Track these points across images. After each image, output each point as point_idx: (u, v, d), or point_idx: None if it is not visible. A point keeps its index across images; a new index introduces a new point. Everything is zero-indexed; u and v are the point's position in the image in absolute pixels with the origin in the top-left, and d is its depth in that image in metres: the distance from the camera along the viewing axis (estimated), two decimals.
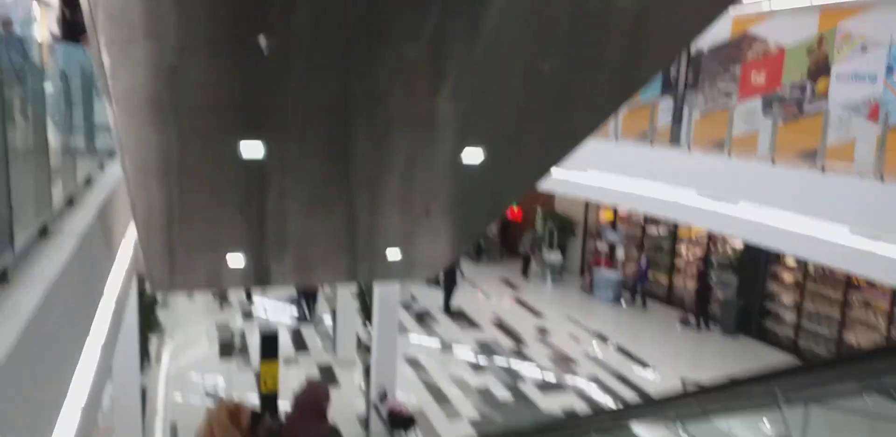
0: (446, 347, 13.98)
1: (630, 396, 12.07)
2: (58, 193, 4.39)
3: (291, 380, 11.69)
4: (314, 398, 4.62)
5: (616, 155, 12.79)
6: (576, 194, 14.80)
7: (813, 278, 13.81)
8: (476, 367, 13.08)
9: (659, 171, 12.20)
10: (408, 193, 5.41)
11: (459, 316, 15.71)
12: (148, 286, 8.22)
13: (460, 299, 16.29)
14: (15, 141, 3.70)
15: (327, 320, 14.58)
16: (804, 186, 9.98)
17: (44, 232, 3.72)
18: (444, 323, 15.32)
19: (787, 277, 14.45)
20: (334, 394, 11.52)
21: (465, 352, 13.76)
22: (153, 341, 12.24)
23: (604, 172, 12.99)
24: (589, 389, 12.32)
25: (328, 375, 12.47)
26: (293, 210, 5.35)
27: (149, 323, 11.42)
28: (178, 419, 9.99)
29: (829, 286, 13.50)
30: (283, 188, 4.90)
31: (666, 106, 13.62)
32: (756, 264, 14.65)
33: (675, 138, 12.88)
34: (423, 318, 15.50)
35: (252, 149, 3.76)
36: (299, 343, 13.80)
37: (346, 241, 6.65)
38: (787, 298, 14.37)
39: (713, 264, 15.78)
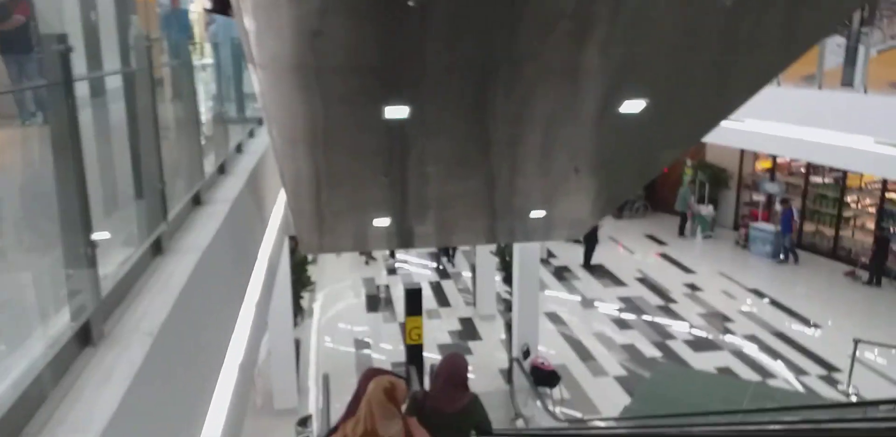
0: (588, 303, 13.68)
1: (794, 356, 11.28)
2: (210, 162, 4.50)
3: (434, 332, 11.93)
4: (454, 369, 4.51)
5: (778, 101, 11.62)
6: (732, 144, 13.72)
7: None
8: (621, 323, 12.71)
9: (829, 117, 10.98)
10: (553, 152, 5.10)
11: (601, 272, 15.28)
12: (300, 248, 8.53)
13: (601, 256, 15.80)
14: (171, 113, 3.78)
15: (466, 274, 14.68)
16: None
17: (197, 201, 3.80)
18: (584, 279, 14.97)
19: None
20: (476, 347, 11.90)
21: (608, 308, 13.40)
22: (305, 297, 12.87)
23: (764, 120, 11.88)
24: (746, 348, 11.63)
25: (469, 328, 12.60)
26: (435, 172, 5.22)
27: (301, 280, 11.98)
28: (329, 368, 10.48)
29: None
30: (425, 150, 4.76)
31: (833, 46, 12.14)
32: None
33: (847, 81, 11.48)
34: (562, 274, 15.22)
35: (395, 111, 3.62)
36: (441, 298, 14.01)
37: (488, 202, 6.46)
38: None
39: (890, 214, 14.21)
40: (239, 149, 5.76)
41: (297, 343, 10.76)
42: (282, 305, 9.67)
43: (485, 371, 11.04)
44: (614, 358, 11.41)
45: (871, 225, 14.76)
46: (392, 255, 16.15)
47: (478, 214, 6.93)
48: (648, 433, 4.50)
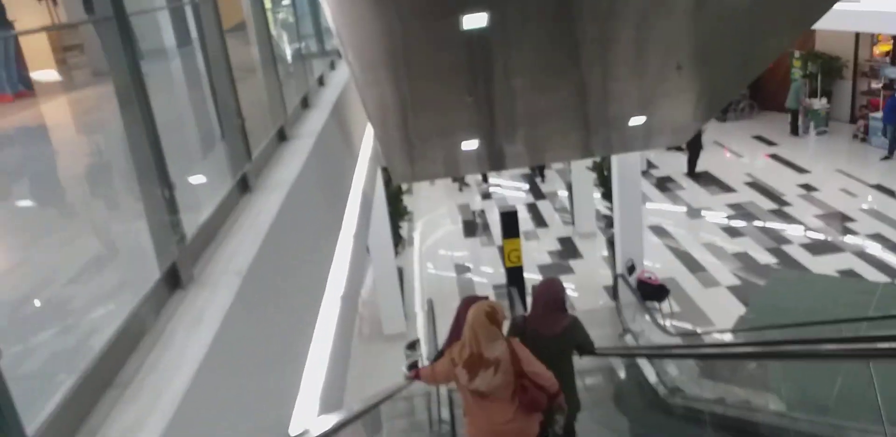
0: (694, 213, 13.11)
1: None
2: (292, 97, 4.38)
3: (533, 253, 11.83)
4: (551, 294, 4.47)
5: None
6: (847, 27, 12.37)
7: None
8: (731, 231, 12.15)
9: None
10: (649, 48, 4.66)
11: (707, 179, 14.54)
12: (393, 179, 8.49)
13: (706, 162, 14.99)
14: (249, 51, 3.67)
15: (563, 193, 14.34)
16: None
17: (282, 136, 3.70)
18: (689, 188, 14.30)
19: None
20: (578, 265, 11.73)
21: (716, 217, 12.81)
22: (404, 226, 13.00)
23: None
24: (870, 248, 10.89)
25: (569, 247, 12.41)
26: (522, 86, 4.91)
27: (397, 210, 12.06)
28: (433, 294, 10.66)
29: None
30: (509, 62, 4.45)
31: None
32: None
33: None
34: (665, 185, 14.60)
35: (473, 19, 3.33)
36: (537, 218, 13.82)
37: (581, 114, 6.10)
38: None
39: None
40: (321, 81, 5.62)
41: (400, 272, 10.95)
42: (382, 235, 9.79)
43: (588, 289, 10.91)
44: (726, 268, 10.97)
45: None
46: (485, 179, 15.99)
47: (570, 127, 6.59)
48: (765, 351, 4.21)
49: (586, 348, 4.56)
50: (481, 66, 4.39)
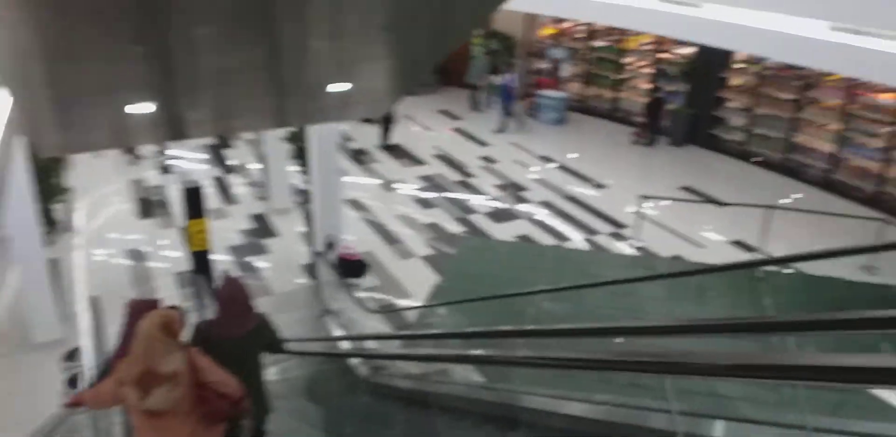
0: (389, 185, 13.12)
1: (584, 217, 11.78)
2: None
3: (223, 233, 10.76)
4: (233, 295, 4.15)
5: None
6: (521, 7, 13.21)
7: (766, 79, 13.25)
8: (423, 203, 12.39)
9: None
10: (346, 5, 4.05)
11: (399, 152, 14.67)
12: (37, 149, 6.75)
13: (398, 135, 15.12)
14: None
15: (255, 167, 13.30)
16: None
17: None
18: (383, 161, 14.29)
19: (738, 81, 13.84)
20: (273, 244, 10.96)
21: (409, 189, 12.97)
22: (58, 208, 10.84)
23: None
24: (540, 214, 11.94)
25: (263, 225, 11.56)
26: (205, 37, 3.95)
27: (50, 188, 9.95)
28: (101, 286, 9.01)
29: (782, 88, 13.00)
30: (189, 4, 3.48)
31: None
32: (708, 70, 13.92)
33: None
34: (360, 157, 14.39)
35: None
36: (226, 195, 12.64)
37: (276, 75, 5.29)
38: (738, 102, 13.88)
39: (664, 74, 14.94)
40: None
41: (55, 263, 9.04)
42: (23, 221, 7.86)
43: (286, 269, 10.25)
44: (420, 239, 11.14)
45: (645, 86, 15.49)
46: (162, 151, 14.14)
47: (264, 92, 5.73)
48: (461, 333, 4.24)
49: (275, 347, 4.40)
50: (154, 6, 3.37)
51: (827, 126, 12.53)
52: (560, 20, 16.46)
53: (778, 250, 10.32)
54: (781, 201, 11.39)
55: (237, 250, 10.69)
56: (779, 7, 9.26)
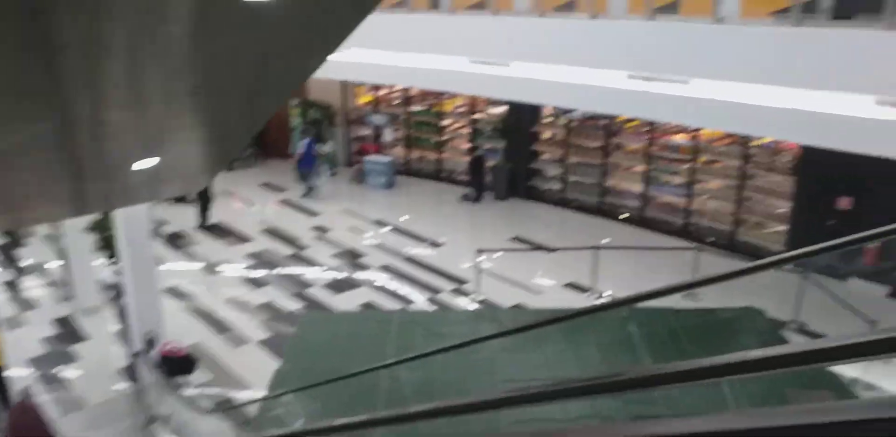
0: (213, 268, 12.24)
1: (425, 277, 11.57)
2: None
3: (21, 344, 9.40)
4: (22, 426, 3.31)
5: (371, 27, 11.35)
6: (334, 76, 13.19)
7: (573, 130, 14.03)
8: (254, 282, 11.64)
9: (423, 40, 11.07)
10: (148, 73, 3.58)
11: (222, 231, 13.84)
12: None
13: (218, 213, 14.30)
14: None
15: (54, 264, 11.91)
16: (578, 35, 9.60)
17: None
18: (204, 242, 13.39)
19: (548, 134, 14.58)
20: (83, 349, 9.70)
21: (237, 269, 12.16)
22: None
23: (360, 48, 11.51)
24: (381, 279, 11.59)
25: (69, 328, 10.26)
26: None
27: None
28: None
29: (589, 137, 13.83)
30: None
31: None
32: (520, 126, 14.56)
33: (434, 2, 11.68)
34: (177, 241, 13.39)
35: None
36: (20, 300, 11.17)
37: (70, 155, 4.56)
38: (551, 154, 14.58)
39: (481, 133, 15.45)
40: None
41: None
42: None
43: (100, 376, 9.06)
44: (254, 321, 10.36)
45: (466, 146, 15.92)
46: None
47: (58, 175, 4.97)
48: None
49: None
50: None
51: (633, 168, 13.41)
52: (377, 88, 16.70)
53: (608, 287, 10.68)
54: (603, 241, 11.87)
55: (39, 362, 9.34)
56: (579, 61, 9.87)
